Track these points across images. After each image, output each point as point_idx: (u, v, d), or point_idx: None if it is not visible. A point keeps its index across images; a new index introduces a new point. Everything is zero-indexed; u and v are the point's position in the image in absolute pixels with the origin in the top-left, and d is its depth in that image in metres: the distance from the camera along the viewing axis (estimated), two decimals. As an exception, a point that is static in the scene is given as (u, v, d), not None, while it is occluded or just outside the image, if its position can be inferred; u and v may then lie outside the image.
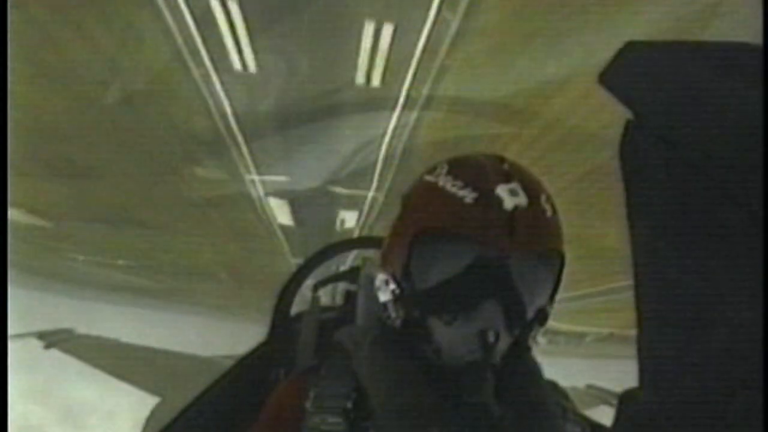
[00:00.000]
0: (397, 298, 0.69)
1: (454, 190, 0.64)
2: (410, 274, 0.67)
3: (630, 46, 0.39)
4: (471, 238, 0.62)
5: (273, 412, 0.74)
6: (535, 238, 0.64)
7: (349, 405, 0.67)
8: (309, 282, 1.95)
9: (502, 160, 0.67)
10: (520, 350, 0.70)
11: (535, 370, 0.72)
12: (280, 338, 1.84)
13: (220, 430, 1.43)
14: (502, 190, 0.62)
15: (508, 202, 0.62)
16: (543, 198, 0.65)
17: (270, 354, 1.78)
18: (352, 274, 1.69)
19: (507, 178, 0.64)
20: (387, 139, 5.05)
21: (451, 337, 0.64)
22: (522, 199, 0.63)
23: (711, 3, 2.81)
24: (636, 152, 0.39)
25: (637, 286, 0.45)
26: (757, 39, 0.35)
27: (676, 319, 0.41)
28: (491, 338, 0.61)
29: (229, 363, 1.75)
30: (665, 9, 2.90)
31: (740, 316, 0.33)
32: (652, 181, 0.40)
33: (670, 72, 0.37)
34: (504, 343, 0.65)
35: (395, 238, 0.71)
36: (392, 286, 0.69)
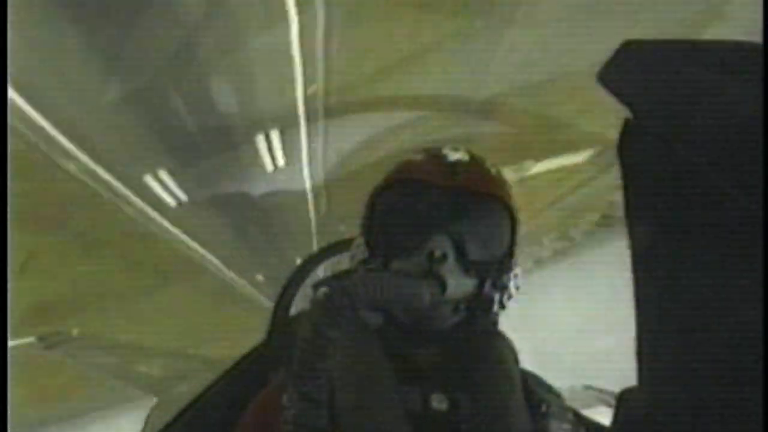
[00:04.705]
0: (367, 257, 0.75)
1: (410, 156, 0.77)
2: (372, 227, 0.77)
3: (628, 45, 0.39)
4: (418, 180, 0.73)
5: (256, 410, 0.76)
6: (475, 179, 0.73)
7: (324, 396, 0.66)
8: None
9: (457, 148, 0.77)
10: (484, 306, 0.74)
11: (503, 357, 0.74)
12: (279, 338, 1.84)
13: (219, 430, 1.43)
14: (448, 151, 0.75)
15: (452, 156, 0.74)
16: (488, 164, 0.76)
17: (269, 354, 1.78)
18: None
19: (456, 148, 0.76)
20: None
21: (405, 270, 0.69)
22: (464, 156, 0.74)
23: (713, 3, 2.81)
24: (634, 151, 0.39)
25: (637, 286, 0.45)
26: (756, 39, 0.35)
27: (675, 320, 0.41)
28: (437, 253, 0.66)
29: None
30: (665, 8, 2.90)
31: (740, 316, 0.33)
32: (650, 180, 0.40)
33: (668, 71, 0.37)
34: (457, 276, 0.69)
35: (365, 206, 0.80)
36: (363, 245, 0.76)
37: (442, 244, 0.67)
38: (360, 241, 0.77)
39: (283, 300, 1.96)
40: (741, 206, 0.31)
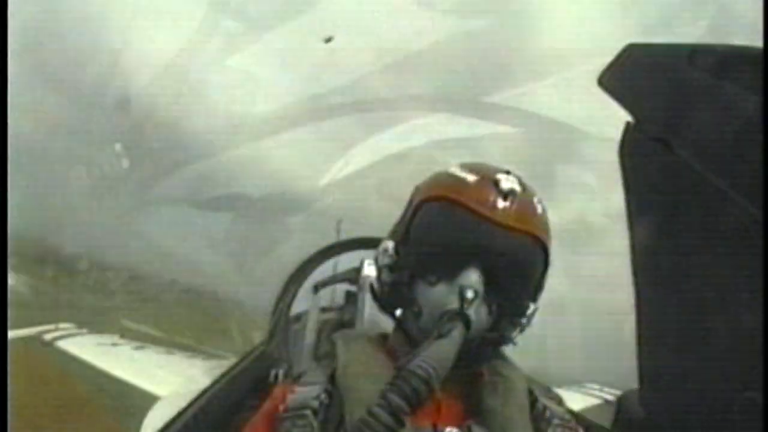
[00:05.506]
0: (393, 264, 0.74)
1: (458, 173, 0.74)
2: (409, 237, 0.74)
3: (630, 49, 0.39)
4: (466, 207, 0.69)
5: (258, 417, 0.75)
6: (525, 218, 0.70)
7: (317, 404, 0.68)
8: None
9: (507, 172, 0.74)
10: (494, 341, 0.72)
11: (514, 385, 0.73)
12: (279, 338, 1.84)
13: (219, 430, 1.43)
14: (500, 176, 0.71)
15: (505, 184, 0.70)
16: (536, 199, 0.73)
17: (270, 354, 1.77)
18: (352, 275, 1.68)
19: (507, 174, 0.72)
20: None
21: (433, 296, 0.68)
22: (517, 186, 0.71)
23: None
24: (635, 154, 0.40)
25: (637, 287, 0.45)
26: (756, 41, 0.35)
27: (675, 321, 0.41)
28: (469, 294, 0.65)
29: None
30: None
31: (740, 317, 0.33)
32: (651, 182, 0.40)
33: (669, 74, 0.37)
34: (481, 313, 0.68)
35: (403, 211, 0.78)
36: (391, 251, 0.75)
37: (474, 282, 0.66)
38: (388, 245, 0.75)
39: (284, 299, 1.95)
40: (740, 208, 0.31)
